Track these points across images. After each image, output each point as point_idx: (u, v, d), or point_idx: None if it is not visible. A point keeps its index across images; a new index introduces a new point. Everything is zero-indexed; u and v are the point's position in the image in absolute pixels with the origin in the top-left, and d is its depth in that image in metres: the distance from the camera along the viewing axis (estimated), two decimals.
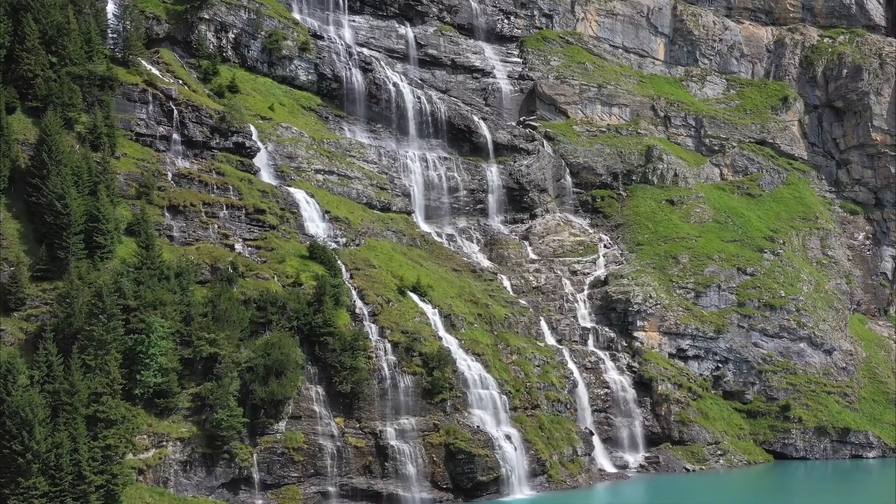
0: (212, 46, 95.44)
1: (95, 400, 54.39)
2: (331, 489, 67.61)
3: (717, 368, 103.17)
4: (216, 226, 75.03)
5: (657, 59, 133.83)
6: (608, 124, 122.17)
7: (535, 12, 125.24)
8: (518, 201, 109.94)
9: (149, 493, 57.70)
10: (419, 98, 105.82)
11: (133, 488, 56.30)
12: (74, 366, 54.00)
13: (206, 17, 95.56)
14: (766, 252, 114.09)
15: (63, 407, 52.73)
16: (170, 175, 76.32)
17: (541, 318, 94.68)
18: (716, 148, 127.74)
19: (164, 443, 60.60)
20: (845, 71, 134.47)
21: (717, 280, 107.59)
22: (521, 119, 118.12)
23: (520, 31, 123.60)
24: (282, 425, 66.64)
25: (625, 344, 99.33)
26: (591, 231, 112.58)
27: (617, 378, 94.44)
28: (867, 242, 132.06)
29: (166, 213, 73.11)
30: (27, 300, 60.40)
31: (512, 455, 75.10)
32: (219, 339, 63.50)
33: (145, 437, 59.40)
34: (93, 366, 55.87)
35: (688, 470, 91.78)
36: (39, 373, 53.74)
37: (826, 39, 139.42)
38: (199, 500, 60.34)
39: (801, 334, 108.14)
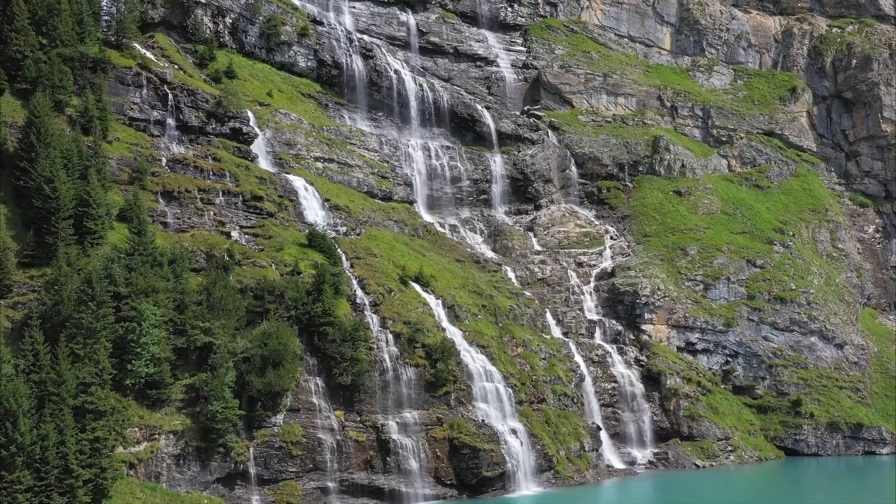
0: (208, 31, 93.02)
1: (84, 390, 51.98)
2: (330, 485, 65.06)
3: (727, 363, 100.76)
4: (212, 212, 72.55)
5: (663, 49, 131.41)
6: (614, 114, 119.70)
7: (539, 0, 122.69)
8: (522, 192, 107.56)
9: (140, 488, 55.18)
10: (421, 86, 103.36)
11: (123, 483, 53.85)
12: (62, 354, 51.54)
13: (203, 1, 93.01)
14: (775, 244, 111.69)
15: (49, 397, 50.36)
16: (164, 160, 73.88)
17: (546, 310, 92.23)
18: (723, 139, 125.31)
19: (157, 436, 58.07)
20: (854, 61, 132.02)
21: (726, 272, 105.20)
22: (525, 108, 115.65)
23: (523, 19, 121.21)
24: (279, 418, 64.08)
25: (632, 337, 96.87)
26: (596, 222, 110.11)
27: (624, 372, 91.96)
28: (877, 236, 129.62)
29: (160, 199, 70.67)
30: (14, 287, 57.89)
31: (518, 450, 72.64)
32: (214, 328, 61.00)
33: (136, 429, 56.91)
34: (81, 355, 53.45)
35: (698, 466, 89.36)
36: (25, 362, 51.34)
37: (835, 29, 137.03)
38: (192, 495, 57.75)
39: (812, 328, 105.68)
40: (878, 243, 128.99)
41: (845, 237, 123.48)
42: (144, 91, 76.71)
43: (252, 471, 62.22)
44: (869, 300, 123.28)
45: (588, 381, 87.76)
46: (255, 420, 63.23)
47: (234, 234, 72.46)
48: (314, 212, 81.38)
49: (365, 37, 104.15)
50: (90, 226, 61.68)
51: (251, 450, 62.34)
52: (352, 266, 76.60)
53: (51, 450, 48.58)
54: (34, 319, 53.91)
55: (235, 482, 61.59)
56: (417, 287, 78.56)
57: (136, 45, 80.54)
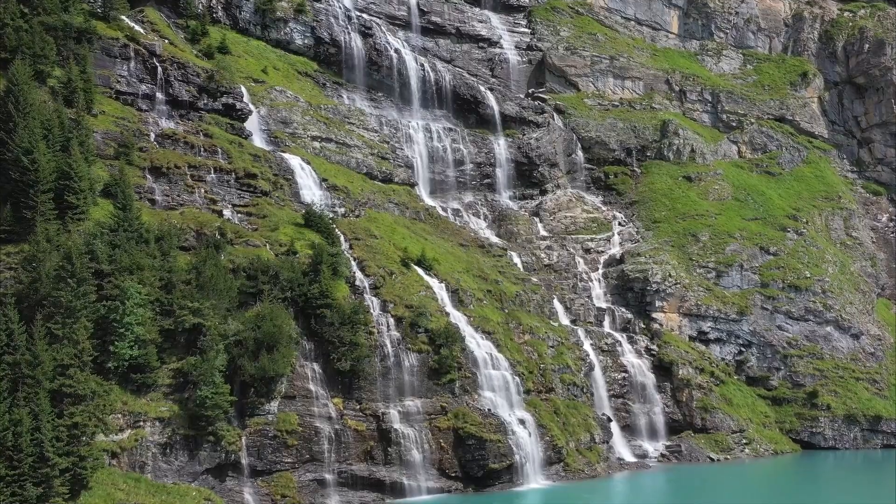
0: (201, 7, 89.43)
1: (61, 373, 47.97)
2: (328, 476, 61.20)
3: (740, 353, 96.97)
4: (203, 190, 68.77)
5: (671, 33, 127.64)
6: (621, 98, 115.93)
7: None
8: (527, 176, 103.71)
9: (123, 478, 51.24)
10: (422, 66, 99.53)
11: (105, 473, 49.93)
12: (38, 334, 47.46)
13: None
14: (788, 231, 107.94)
15: (24, 380, 46.31)
16: (152, 135, 70.16)
17: (554, 296, 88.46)
18: (733, 124, 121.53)
19: (141, 423, 54.16)
20: (867, 45, 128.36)
21: (739, 259, 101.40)
22: (530, 91, 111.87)
23: (527, 0, 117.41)
24: (274, 405, 60.13)
25: (643, 325, 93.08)
26: (604, 208, 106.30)
27: (635, 361, 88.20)
28: (891, 224, 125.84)
29: (148, 175, 66.83)
30: None
31: (526, 441, 68.80)
32: (203, 308, 57.06)
33: (119, 416, 52.99)
34: (59, 335, 49.47)
35: (712, 460, 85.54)
36: None
37: (846, 13, 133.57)
38: (180, 487, 53.79)
39: (828, 317, 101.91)
40: (892, 232, 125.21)
41: (859, 225, 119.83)
42: (132, 64, 73.00)
43: (244, 461, 58.31)
44: (883, 290, 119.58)
45: (598, 370, 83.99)
46: (248, 407, 59.28)
47: (227, 212, 68.69)
48: (311, 191, 77.60)
49: (364, 15, 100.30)
50: (71, 200, 57.85)
51: (243, 439, 58.41)
52: (350, 247, 72.80)
53: (25, 436, 44.53)
54: (9, 297, 49.99)
55: (226, 473, 57.67)
56: (420, 270, 74.79)
57: (124, 17, 76.84)
